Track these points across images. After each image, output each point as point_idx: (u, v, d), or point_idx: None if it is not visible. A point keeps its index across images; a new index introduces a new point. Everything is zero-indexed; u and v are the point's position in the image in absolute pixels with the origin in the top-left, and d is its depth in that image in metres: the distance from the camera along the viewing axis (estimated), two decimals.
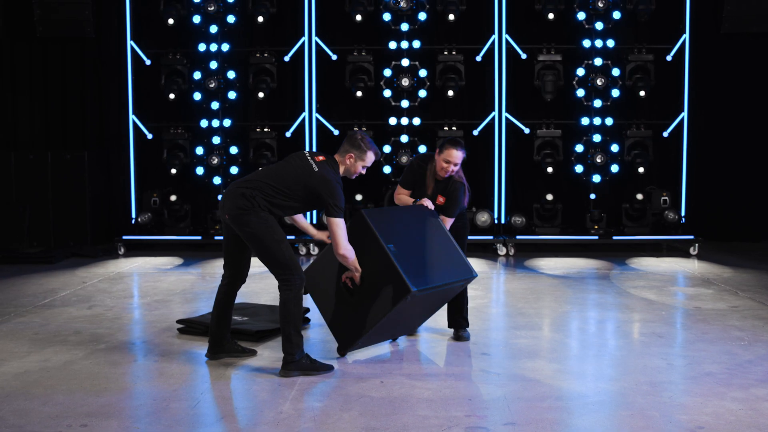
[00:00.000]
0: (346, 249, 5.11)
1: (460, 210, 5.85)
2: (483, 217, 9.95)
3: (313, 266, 5.54)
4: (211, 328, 5.39)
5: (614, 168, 10.11)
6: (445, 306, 5.89)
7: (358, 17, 9.94)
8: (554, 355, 5.54)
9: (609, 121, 10.09)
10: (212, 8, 10.04)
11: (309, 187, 5.08)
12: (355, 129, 5.04)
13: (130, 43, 10.29)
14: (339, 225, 5.07)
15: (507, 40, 10.18)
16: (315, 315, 6.64)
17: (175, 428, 4.17)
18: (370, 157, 5.28)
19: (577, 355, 5.66)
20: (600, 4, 9.91)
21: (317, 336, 6.00)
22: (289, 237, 9.78)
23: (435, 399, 4.60)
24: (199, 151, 10.22)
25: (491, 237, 9.99)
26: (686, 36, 10.19)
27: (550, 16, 9.97)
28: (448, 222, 5.77)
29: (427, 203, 5.71)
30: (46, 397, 4.64)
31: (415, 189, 5.91)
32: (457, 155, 5.70)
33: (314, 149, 10.23)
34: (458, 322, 5.92)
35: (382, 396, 4.65)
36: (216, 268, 8.96)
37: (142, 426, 4.22)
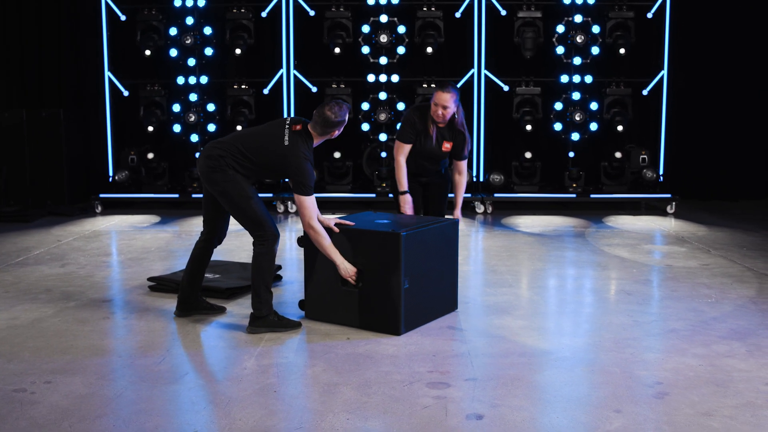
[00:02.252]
0: (311, 228, 4.95)
1: (468, 149, 6.03)
2: None
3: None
4: (182, 284, 5.38)
5: (593, 126, 10.08)
6: None
7: None
8: (522, 312, 5.58)
9: (588, 79, 10.04)
10: None
11: (277, 159, 4.99)
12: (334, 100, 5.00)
13: None
14: (305, 205, 4.94)
15: None
16: (288, 273, 6.66)
17: (139, 384, 4.19)
18: (337, 120, 5.01)
19: (545, 312, 5.69)
20: None
21: (288, 294, 6.01)
22: (267, 195, 9.87)
23: (399, 355, 4.63)
24: (176, 108, 10.13)
25: (469, 195, 9.98)
26: None
27: None
28: (462, 164, 5.99)
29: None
30: (11, 354, 4.65)
31: (418, 140, 5.90)
32: (444, 97, 5.68)
33: (292, 106, 10.16)
34: None
35: (347, 352, 4.68)
36: (193, 225, 8.94)
37: (106, 382, 4.23)
